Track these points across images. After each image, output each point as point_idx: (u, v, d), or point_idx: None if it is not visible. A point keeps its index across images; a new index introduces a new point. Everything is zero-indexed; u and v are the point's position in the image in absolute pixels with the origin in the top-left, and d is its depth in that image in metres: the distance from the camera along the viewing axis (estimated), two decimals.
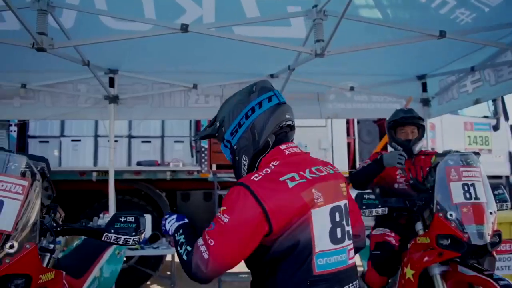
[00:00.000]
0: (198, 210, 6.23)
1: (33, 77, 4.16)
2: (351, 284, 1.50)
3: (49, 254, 1.79)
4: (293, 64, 3.50)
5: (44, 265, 1.75)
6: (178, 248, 1.56)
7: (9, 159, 1.61)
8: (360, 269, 3.64)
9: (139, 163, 5.78)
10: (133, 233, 1.84)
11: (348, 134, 6.64)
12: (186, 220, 1.73)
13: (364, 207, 2.45)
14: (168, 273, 5.50)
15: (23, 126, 5.95)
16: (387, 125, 3.21)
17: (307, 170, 1.51)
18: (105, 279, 2.78)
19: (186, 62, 3.99)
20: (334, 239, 1.46)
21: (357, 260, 1.79)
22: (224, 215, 1.42)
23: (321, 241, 1.43)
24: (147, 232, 4.11)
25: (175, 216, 1.78)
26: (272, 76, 4.17)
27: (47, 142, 5.92)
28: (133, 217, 1.88)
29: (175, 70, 4.23)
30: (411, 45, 3.11)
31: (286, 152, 1.58)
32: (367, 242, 3.17)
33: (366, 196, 2.49)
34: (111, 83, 4.20)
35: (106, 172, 5.59)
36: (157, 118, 5.01)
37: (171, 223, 1.76)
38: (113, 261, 2.88)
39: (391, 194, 2.98)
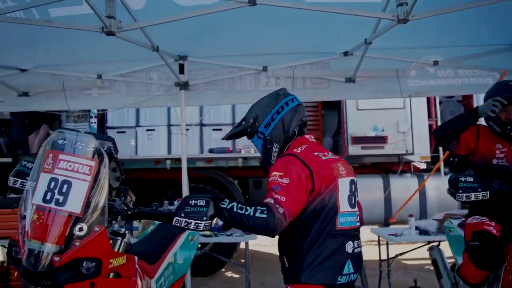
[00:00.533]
0: None
1: (108, 67, 4.26)
2: (358, 241, 1.95)
3: (120, 238, 1.73)
4: (370, 36, 3.19)
5: (116, 249, 1.68)
6: (244, 213, 1.69)
7: (77, 139, 1.56)
8: (450, 261, 3.34)
9: (210, 150, 5.79)
10: (204, 218, 1.72)
11: (429, 116, 6.11)
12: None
13: (460, 191, 2.14)
14: (242, 260, 5.47)
15: (102, 118, 6.22)
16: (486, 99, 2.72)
17: (328, 153, 2.00)
18: (179, 265, 2.73)
19: (254, 44, 3.85)
20: (350, 204, 1.91)
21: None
22: (283, 178, 1.78)
23: (343, 203, 1.88)
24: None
25: (193, 200, 1.72)
26: (346, 54, 3.89)
27: (124, 132, 6.13)
28: (204, 201, 1.77)
29: (244, 53, 4.10)
30: (506, 8, 2.67)
31: (310, 140, 2.06)
32: (461, 232, 2.83)
33: (462, 179, 2.16)
34: (181, 69, 4.18)
35: (180, 160, 5.70)
36: (227, 103, 4.94)
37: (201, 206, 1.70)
38: (187, 247, 2.83)
39: (488, 172, 2.57)
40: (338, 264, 1.83)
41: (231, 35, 3.60)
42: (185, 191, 4.17)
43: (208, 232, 4.07)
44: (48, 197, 1.49)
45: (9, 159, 5.85)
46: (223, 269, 5.87)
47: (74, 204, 1.49)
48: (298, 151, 1.91)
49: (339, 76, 4.15)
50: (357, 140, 5.76)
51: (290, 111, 2.05)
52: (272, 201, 1.74)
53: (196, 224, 1.71)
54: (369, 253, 6.30)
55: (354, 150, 5.78)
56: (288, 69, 4.18)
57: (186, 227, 1.73)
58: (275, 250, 2.22)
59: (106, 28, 2.40)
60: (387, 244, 4.40)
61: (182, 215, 1.72)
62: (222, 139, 2.37)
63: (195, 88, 4.29)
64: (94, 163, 1.53)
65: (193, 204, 1.75)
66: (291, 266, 1.87)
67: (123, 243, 1.73)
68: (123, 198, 1.87)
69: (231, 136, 2.22)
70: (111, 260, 1.56)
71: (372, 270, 5.20)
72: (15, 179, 1.91)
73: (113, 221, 1.76)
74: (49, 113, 6.23)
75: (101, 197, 1.54)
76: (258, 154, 5.51)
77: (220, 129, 5.98)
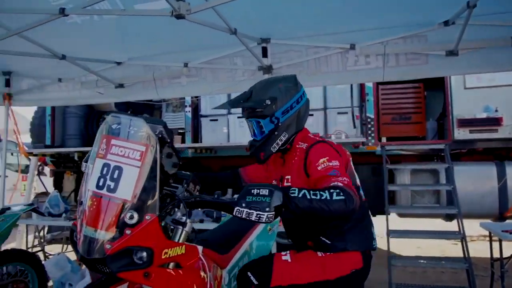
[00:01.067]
0: (366, 185, 5.74)
1: (193, 55, 4.30)
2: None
3: (181, 227, 1.66)
4: None
5: (176, 239, 1.62)
6: (320, 198, 1.62)
7: (129, 123, 1.51)
8: None
9: None
10: (267, 208, 1.58)
11: None
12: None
13: None
14: None
15: (196, 107, 6.41)
16: None
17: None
18: (256, 255, 2.64)
19: (340, 20, 3.55)
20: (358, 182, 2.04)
21: None
22: (332, 161, 1.82)
23: (357, 180, 2.02)
24: None
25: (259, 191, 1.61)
26: (446, 23, 3.39)
27: (216, 120, 6.25)
28: (267, 190, 1.62)
29: (329, 31, 3.81)
30: None
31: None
32: None
33: None
34: (264, 53, 4.05)
35: None
36: (314, 85, 4.67)
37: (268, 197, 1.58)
38: (264, 237, 2.71)
39: None
40: (371, 230, 2.05)
41: (314, 12, 3.36)
42: None
43: None
44: (101, 183, 1.47)
45: None
46: None
47: (125, 191, 1.45)
48: (324, 140, 1.99)
49: (439, 50, 3.64)
50: (464, 122, 5.10)
51: (305, 104, 2.06)
52: (341, 184, 1.72)
53: (258, 215, 1.58)
54: (479, 250, 5.64)
55: (461, 134, 5.13)
56: (378, 45, 3.79)
57: (248, 218, 1.60)
58: None
59: (175, 12, 2.35)
60: (500, 241, 3.82)
61: (243, 205, 1.60)
62: (216, 107, 2.12)
63: (279, 71, 4.12)
64: (144, 148, 1.47)
65: (255, 193, 1.61)
66: (333, 242, 1.96)
67: (184, 232, 1.66)
68: (185, 185, 1.80)
69: (233, 106, 2.08)
70: (165, 250, 1.50)
71: (482, 269, 4.61)
72: (85, 164, 1.96)
73: (176, 209, 1.70)
74: (149, 104, 6.62)
75: (152, 184, 1.47)
76: (351, 140, 5.33)
77: (312, 114, 5.75)
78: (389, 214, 4.76)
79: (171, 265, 1.58)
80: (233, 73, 4.33)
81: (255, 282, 1.92)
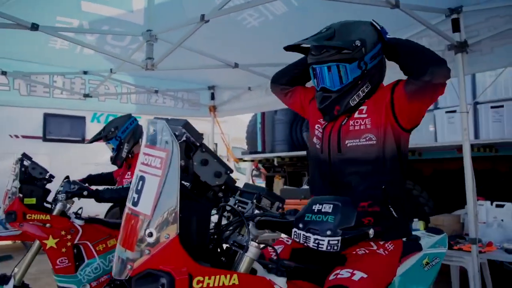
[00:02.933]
0: None
1: None
2: None
3: (241, 251, 1.34)
4: None
5: (239, 267, 1.31)
6: None
7: (154, 127, 1.27)
8: None
9: None
10: (328, 232, 1.13)
11: None
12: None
13: None
14: None
15: None
16: None
17: None
18: None
19: None
20: None
21: None
22: None
23: None
24: None
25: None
26: None
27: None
28: (332, 205, 1.16)
29: None
30: None
31: None
32: None
33: None
34: (455, 26, 3.15)
35: (487, 148, 4.46)
36: None
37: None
38: (416, 273, 1.92)
39: None
40: None
41: None
42: (469, 192, 3.11)
43: None
44: (130, 197, 1.29)
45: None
46: None
47: (145, 204, 1.21)
48: None
49: None
50: None
51: (384, 55, 1.75)
52: None
53: (317, 241, 1.15)
54: None
55: None
56: None
57: (305, 243, 1.17)
58: None
59: None
60: None
61: (301, 225, 1.20)
62: (289, 45, 1.74)
63: (478, 47, 3.16)
64: (164, 154, 1.20)
65: (316, 210, 1.19)
66: (400, 216, 1.64)
67: (244, 257, 1.32)
68: (254, 201, 1.44)
69: (318, 43, 1.62)
70: (199, 278, 1.19)
71: None
72: None
73: (238, 230, 1.39)
74: None
75: (172, 196, 1.19)
76: None
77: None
78: None
79: None
80: None
81: None
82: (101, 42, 3.95)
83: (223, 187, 1.33)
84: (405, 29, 3.36)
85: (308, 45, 1.71)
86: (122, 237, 1.28)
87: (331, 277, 1.51)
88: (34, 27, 2.80)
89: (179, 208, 1.18)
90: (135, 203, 1.24)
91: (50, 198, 3.18)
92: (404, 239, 1.79)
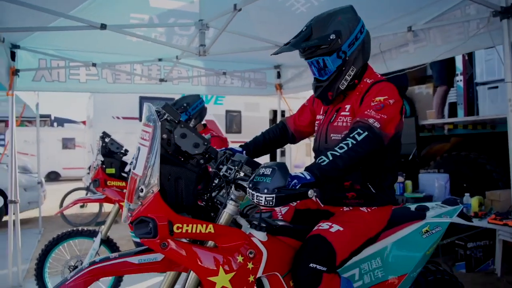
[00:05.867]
0: None
1: (417, 16, 3.72)
2: None
3: (221, 208, 1.69)
4: None
5: (219, 219, 1.65)
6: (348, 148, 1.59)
7: (148, 108, 1.65)
8: None
9: None
10: (265, 190, 1.41)
11: None
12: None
13: None
14: None
15: (470, 76, 5.39)
16: None
17: None
18: (397, 260, 2.02)
19: None
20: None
21: None
22: (389, 100, 1.76)
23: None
24: None
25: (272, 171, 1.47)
26: None
27: (496, 87, 5.05)
28: (271, 169, 1.44)
29: None
30: None
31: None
32: None
33: None
34: None
35: None
36: None
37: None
38: (414, 240, 2.06)
39: None
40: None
41: None
42: None
43: None
44: (134, 162, 1.69)
45: None
46: None
47: (139, 167, 1.61)
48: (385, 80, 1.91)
49: None
50: None
51: (367, 34, 1.94)
52: (372, 121, 1.70)
53: (258, 198, 1.43)
54: None
55: None
56: None
57: (251, 199, 1.47)
58: None
59: None
60: None
61: (250, 185, 1.49)
62: (274, 53, 1.96)
63: None
64: (151, 130, 1.58)
65: (261, 173, 1.48)
66: (378, 191, 1.92)
67: (224, 213, 1.66)
68: (237, 168, 1.75)
69: (296, 47, 1.83)
70: (179, 225, 1.55)
71: None
72: None
73: (230, 189, 1.68)
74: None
75: (155, 161, 1.55)
76: None
77: None
78: None
79: (211, 243, 1.63)
80: (465, 28, 3.45)
81: (324, 269, 1.66)
82: (170, 33, 4.46)
83: (207, 156, 1.64)
84: None
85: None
86: (127, 193, 1.69)
87: (314, 228, 1.80)
88: (103, 26, 3.36)
89: (166, 172, 1.55)
90: (134, 167, 1.65)
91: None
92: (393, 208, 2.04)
